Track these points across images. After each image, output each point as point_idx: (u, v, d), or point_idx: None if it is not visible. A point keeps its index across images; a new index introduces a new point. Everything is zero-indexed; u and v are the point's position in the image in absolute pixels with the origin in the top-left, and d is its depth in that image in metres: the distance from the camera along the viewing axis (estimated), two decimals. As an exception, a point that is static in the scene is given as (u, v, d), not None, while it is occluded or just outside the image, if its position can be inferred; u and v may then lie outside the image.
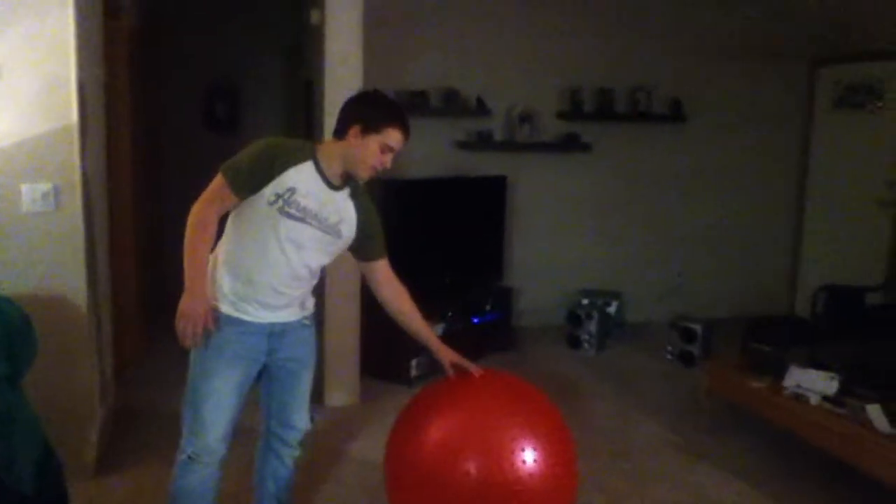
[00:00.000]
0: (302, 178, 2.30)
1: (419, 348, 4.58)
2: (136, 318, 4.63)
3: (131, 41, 4.55)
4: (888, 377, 3.92)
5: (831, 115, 6.15)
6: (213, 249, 2.37)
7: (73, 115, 2.99)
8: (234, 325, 2.35)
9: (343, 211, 2.42)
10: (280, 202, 2.26)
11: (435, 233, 5.03)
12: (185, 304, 2.27)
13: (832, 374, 3.54)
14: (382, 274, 2.62)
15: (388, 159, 2.34)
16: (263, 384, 2.54)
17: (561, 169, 5.92)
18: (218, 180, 2.29)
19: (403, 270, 4.70)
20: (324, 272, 2.67)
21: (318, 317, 3.98)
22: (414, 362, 4.57)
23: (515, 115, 5.67)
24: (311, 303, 2.56)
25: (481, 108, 5.55)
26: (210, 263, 2.36)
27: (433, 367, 4.66)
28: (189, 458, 2.38)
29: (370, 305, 4.33)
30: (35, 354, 2.64)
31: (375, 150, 2.31)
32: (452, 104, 5.48)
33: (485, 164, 5.64)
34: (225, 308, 2.35)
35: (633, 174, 6.11)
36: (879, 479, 2.99)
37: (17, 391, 2.56)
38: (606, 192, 6.07)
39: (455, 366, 2.58)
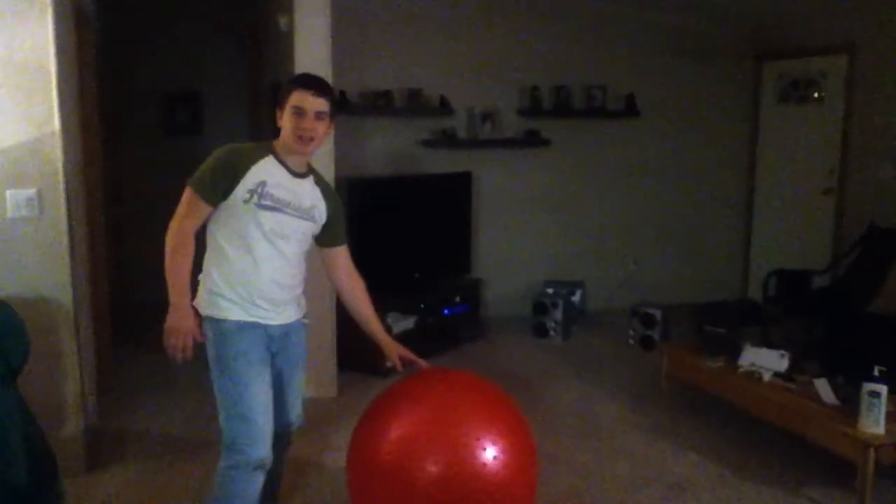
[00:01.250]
0: (268, 172, 2.38)
1: (394, 339, 4.75)
2: (108, 320, 4.69)
3: (97, 49, 4.59)
4: (833, 353, 4.20)
5: (776, 109, 6.45)
6: (200, 269, 2.44)
7: (56, 123, 3.07)
8: (250, 329, 2.40)
9: (313, 196, 2.52)
10: (255, 197, 2.34)
11: (403, 229, 5.17)
12: (171, 320, 2.32)
13: (783, 353, 3.79)
14: (343, 260, 2.70)
15: (305, 123, 2.36)
16: None
17: (522, 164, 6.12)
18: (187, 195, 2.36)
19: (374, 266, 4.87)
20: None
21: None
22: (388, 354, 4.71)
23: (477, 114, 5.85)
24: (303, 301, 2.64)
25: (444, 107, 5.71)
26: (203, 283, 2.43)
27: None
28: (255, 468, 2.38)
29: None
30: (28, 354, 2.73)
31: (290, 118, 2.37)
32: (416, 104, 5.63)
33: (449, 162, 5.80)
34: (238, 315, 2.39)
35: (590, 168, 6.33)
36: (826, 447, 3.23)
37: (13, 390, 2.65)
38: (566, 186, 6.28)
39: (402, 358, 2.66)
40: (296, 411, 2.65)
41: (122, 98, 6.23)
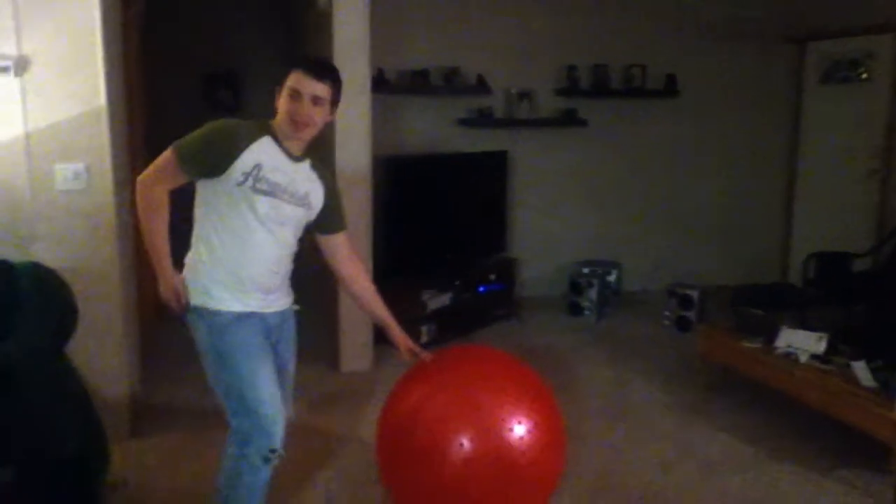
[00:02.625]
0: (264, 153, 2.28)
1: (429, 315, 4.83)
2: (153, 292, 4.80)
3: (141, 28, 4.68)
4: (872, 336, 4.14)
5: (819, 90, 6.31)
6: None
7: (102, 98, 3.17)
8: (247, 319, 2.33)
9: (308, 181, 2.42)
10: (250, 180, 2.24)
11: (440, 207, 5.21)
12: (161, 290, 2.32)
13: (821, 335, 3.74)
14: (344, 248, 2.59)
15: (300, 107, 2.27)
16: None
17: (559, 144, 6.09)
18: (168, 158, 2.25)
19: (410, 244, 4.94)
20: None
21: (333, 286, 4.17)
22: (424, 328, 4.77)
23: (514, 93, 5.84)
24: (290, 288, 2.55)
25: (482, 86, 5.70)
26: (193, 270, 2.34)
27: (441, 334, 4.89)
28: (265, 459, 2.33)
29: (381, 272, 4.54)
30: (76, 322, 2.83)
31: (286, 101, 2.28)
32: (453, 83, 5.64)
33: (486, 141, 5.80)
34: (234, 306, 2.31)
35: (628, 148, 6.28)
36: (862, 430, 3.21)
37: (63, 357, 2.76)
38: (603, 166, 6.25)
39: (409, 351, 2.61)
40: (286, 407, 2.48)
41: (166, 76, 6.33)
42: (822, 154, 6.34)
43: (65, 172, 3.15)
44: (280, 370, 2.47)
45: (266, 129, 2.33)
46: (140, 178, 2.27)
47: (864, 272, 5.22)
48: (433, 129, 5.74)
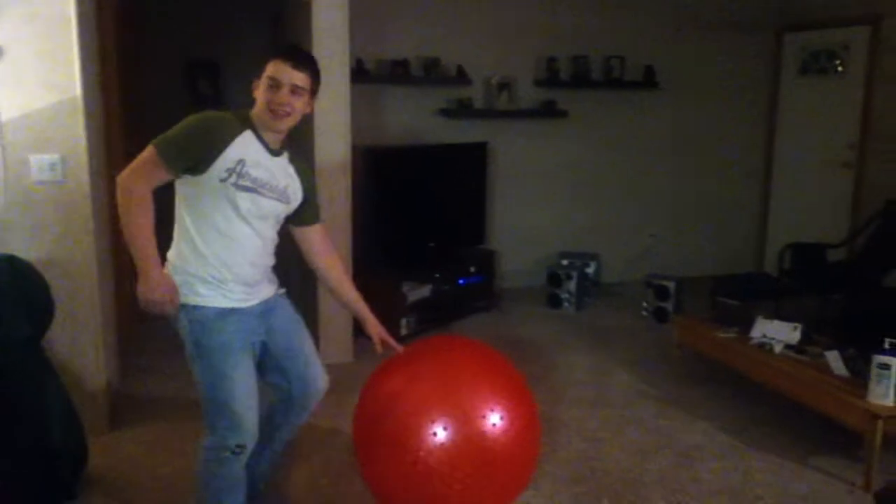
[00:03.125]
0: (246, 148, 2.26)
1: (409, 308, 4.84)
2: (130, 282, 4.77)
3: (118, 17, 4.62)
4: (846, 326, 4.22)
5: (797, 81, 6.39)
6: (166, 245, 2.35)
7: (77, 89, 3.13)
8: (230, 316, 2.32)
9: (287, 176, 2.41)
10: (233, 177, 2.23)
11: (419, 199, 5.21)
12: (143, 291, 2.21)
13: (795, 325, 3.80)
14: (319, 239, 2.59)
15: (279, 97, 2.25)
16: (271, 365, 2.54)
17: (539, 135, 6.11)
18: (150, 155, 2.20)
19: (390, 236, 4.93)
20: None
21: (313, 279, 4.16)
22: (404, 321, 4.78)
23: (494, 83, 5.84)
24: (273, 275, 2.56)
25: (461, 77, 5.71)
26: (175, 267, 2.31)
27: (421, 325, 4.90)
28: (233, 452, 2.33)
29: (361, 264, 4.54)
30: (52, 316, 2.82)
31: (265, 90, 2.26)
32: (433, 73, 5.63)
33: (465, 131, 5.81)
34: (217, 301, 2.30)
35: (607, 139, 6.31)
36: (835, 418, 3.26)
37: (40, 350, 2.74)
38: (583, 157, 6.27)
39: (383, 343, 2.62)
40: (318, 371, 2.60)
41: (147, 67, 6.27)
42: (799, 145, 6.42)
43: (40, 163, 3.11)
44: (290, 349, 2.52)
45: (247, 123, 2.30)
46: (121, 176, 2.21)
47: (838, 262, 5.30)
48: (413, 119, 5.74)
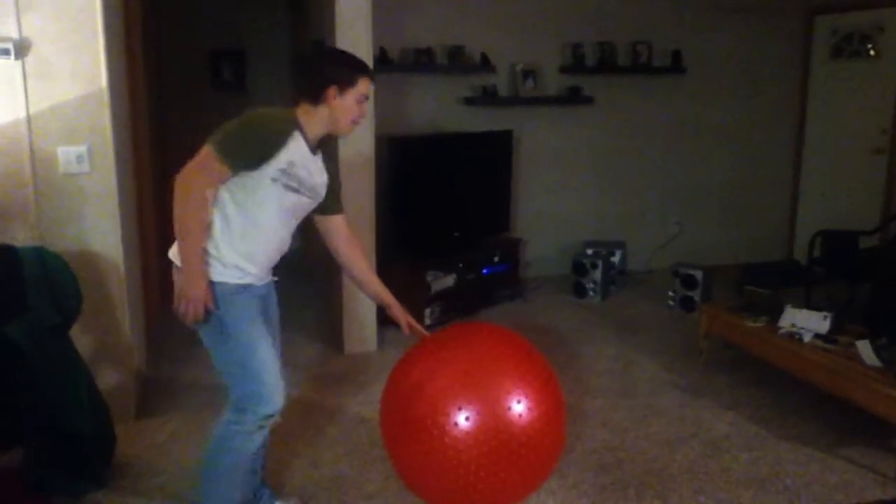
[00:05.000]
0: (297, 150, 2.32)
1: (433, 296, 4.84)
2: (158, 272, 4.83)
3: (143, 7, 4.65)
4: (877, 315, 4.14)
5: (828, 65, 6.26)
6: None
7: (103, 80, 3.15)
8: (245, 292, 2.37)
9: (320, 172, 2.47)
10: (284, 177, 2.29)
11: (444, 187, 5.19)
12: (185, 286, 2.24)
13: (825, 314, 3.74)
14: (342, 228, 2.63)
15: (364, 109, 2.41)
16: None
17: (564, 122, 6.06)
18: (208, 155, 2.22)
19: (414, 225, 4.93)
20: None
21: (336, 268, 4.18)
22: (427, 311, 4.78)
23: (519, 71, 5.80)
24: None
25: (486, 65, 5.67)
26: (208, 240, 2.33)
27: (446, 315, 4.90)
28: (261, 427, 2.38)
29: (385, 254, 4.54)
30: (80, 305, 2.85)
31: (353, 104, 2.36)
32: (457, 61, 5.59)
33: (490, 120, 5.77)
34: (237, 279, 2.35)
35: (634, 126, 6.24)
36: (865, 408, 3.20)
37: (68, 340, 2.78)
38: (609, 145, 6.21)
39: (410, 327, 2.68)
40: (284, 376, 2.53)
41: (171, 54, 6.32)
42: (830, 131, 6.30)
43: (67, 155, 3.14)
44: (275, 340, 2.55)
45: (295, 124, 2.34)
46: (181, 174, 2.23)
47: (870, 250, 5.19)
48: (437, 108, 5.71)
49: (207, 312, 2.28)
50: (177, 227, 2.23)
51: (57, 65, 3.10)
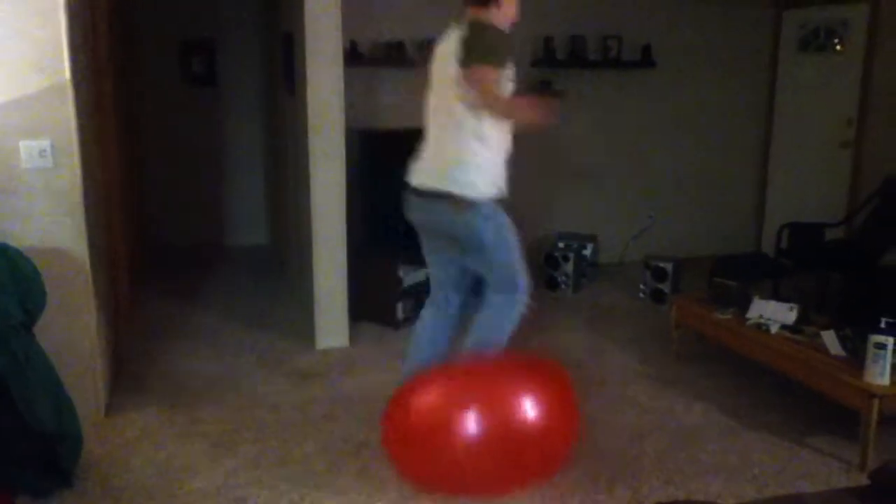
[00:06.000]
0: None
1: (405, 291, 4.82)
2: (125, 269, 4.76)
3: (109, -3, 4.57)
4: (843, 306, 4.21)
5: (796, 58, 6.33)
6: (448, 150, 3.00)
7: (66, 73, 3.09)
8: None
9: None
10: (510, 84, 2.88)
11: (415, 181, 5.16)
12: (532, 118, 2.85)
13: (791, 305, 3.79)
14: None
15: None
16: (456, 258, 3.23)
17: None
18: (493, 74, 2.74)
19: (385, 219, 4.90)
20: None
21: (309, 261, 4.15)
22: (399, 305, 4.76)
23: (490, 64, 5.78)
24: None
25: (457, 58, 5.64)
26: (466, 165, 2.89)
27: (419, 309, 4.87)
28: (522, 299, 3.11)
29: (356, 248, 4.52)
30: (45, 303, 2.80)
31: (516, 6, 3.02)
32: (429, 55, 5.56)
33: (462, 113, 5.75)
34: (492, 192, 2.94)
35: (605, 119, 6.27)
36: (832, 398, 3.26)
37: (32, 337, 2.73)
38: (579, 138, 6.23)
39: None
40: None
41: (141, 45, 6.23)
42: (797, 123, 6.38)
43: (30, 150, 3.08)
44: None
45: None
46: (487, 98, 2.74)
47: (836, 241, 5.28)
48: (408, 102, 5.67)
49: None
50: (512, 118, 2.92)
51: (17, 55, 3.03)
